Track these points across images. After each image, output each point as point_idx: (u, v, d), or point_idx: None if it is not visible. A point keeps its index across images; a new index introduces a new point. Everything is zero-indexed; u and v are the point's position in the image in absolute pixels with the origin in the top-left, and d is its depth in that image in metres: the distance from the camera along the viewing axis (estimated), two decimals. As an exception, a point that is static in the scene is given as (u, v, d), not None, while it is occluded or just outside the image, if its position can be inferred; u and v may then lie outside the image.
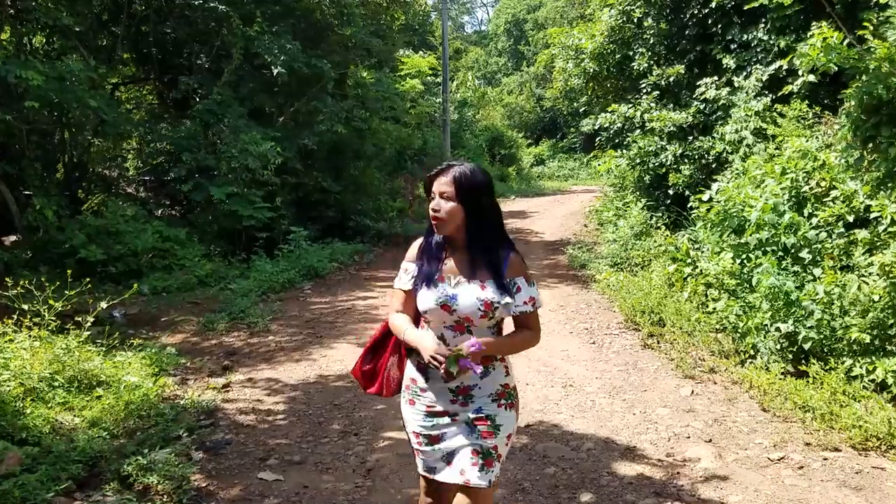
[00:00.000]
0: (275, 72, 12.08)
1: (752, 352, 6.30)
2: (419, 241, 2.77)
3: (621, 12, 12.77)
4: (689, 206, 11.44)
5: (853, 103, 6.72)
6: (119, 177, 13.91)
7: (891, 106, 6.17)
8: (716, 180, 10.53)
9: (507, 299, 2.59)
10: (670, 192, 11.97)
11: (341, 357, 6.90)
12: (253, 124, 12.27)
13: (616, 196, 14.75)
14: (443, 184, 2.59)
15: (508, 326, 2.72)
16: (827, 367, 5.28)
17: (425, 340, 2.57)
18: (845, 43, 6.79)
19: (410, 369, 2.76)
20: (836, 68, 6.65)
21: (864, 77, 6.57)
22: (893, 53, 6.15)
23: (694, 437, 4.73)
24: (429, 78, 22.79)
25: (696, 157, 11.44)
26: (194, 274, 10.38)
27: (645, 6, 12.53)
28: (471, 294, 2.57)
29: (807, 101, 9.70)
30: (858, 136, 6.62)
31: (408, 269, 2.74)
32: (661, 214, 12.37)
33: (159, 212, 13.07)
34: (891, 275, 5.79)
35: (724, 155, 10.84)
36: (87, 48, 11.69)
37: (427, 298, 2.60)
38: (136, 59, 13.98)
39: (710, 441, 4.67)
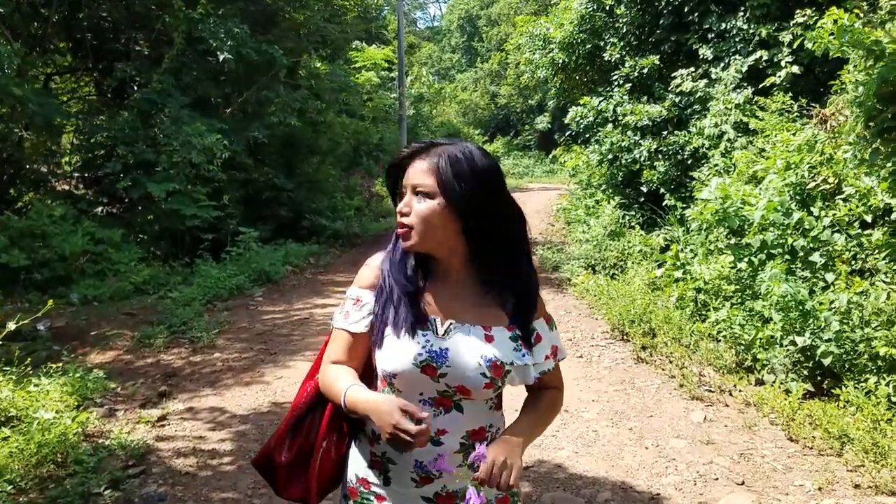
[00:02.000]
0: (220, 58, 11.04)
1: (758, 367, 5.67)
2: (378, 255, 1.77)
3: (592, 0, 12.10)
4: (664, 203, 10.86)
5: (865, 91, 6.13)
6: (49, 173, 12.65)
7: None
8: (692, 178, 9.95)
9: (527, 359, 1.67)
10: (643, 189, 11.38)
11: (299, 378, 5.98)
12: (197, 115, 11.18)
13: (585, 194, 14.11)
14: (419, 171, 1.62)
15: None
16: (864, 391, 4.63)
17: (382, 403, 1.53)
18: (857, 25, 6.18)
19: (358, 462, 1.76)
20: (850, 53, 6.04)
21: (879, 62, 5.98)
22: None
23: (723, 479, 4.01)
24: (383, 72, 22.00)
25: (672, 153, 10.85)
26: (130, 280, 9.27)
27: (617, -7, 11.90)
28: (471, 349, 1.63)
29: (789, 94, 9.20)
30: (873, 127, 6.03)
31: (361, 298, 1.73)
32: (634, 213, 11.81)
33: (97, 210, 11.86)
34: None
35: (702, 150, 10.27)
36: (17, 35, 10.48)
37: (400, 354, 1.62)
38: (72, 47, 12.76)
39: (743, 483, 3.95)
